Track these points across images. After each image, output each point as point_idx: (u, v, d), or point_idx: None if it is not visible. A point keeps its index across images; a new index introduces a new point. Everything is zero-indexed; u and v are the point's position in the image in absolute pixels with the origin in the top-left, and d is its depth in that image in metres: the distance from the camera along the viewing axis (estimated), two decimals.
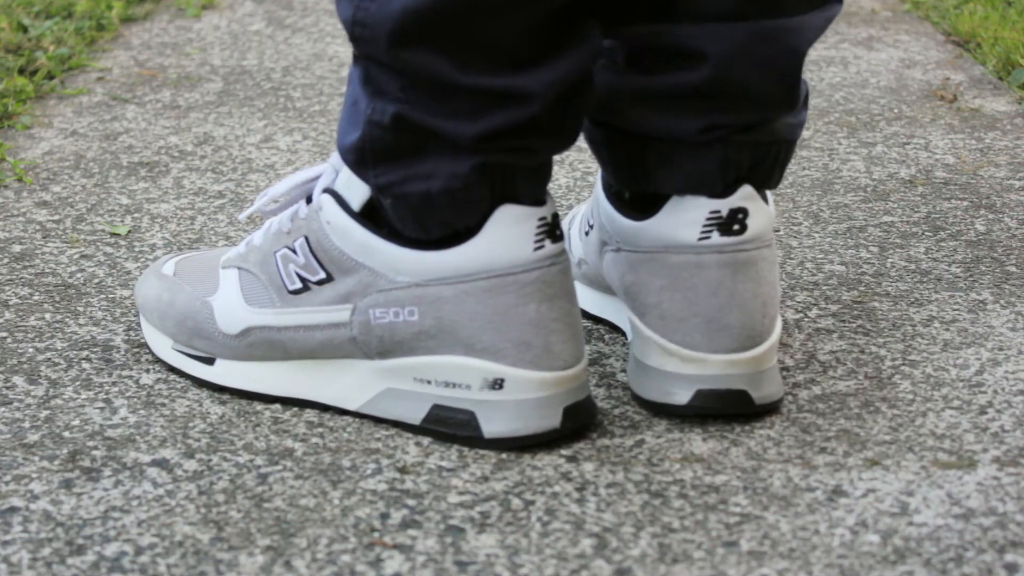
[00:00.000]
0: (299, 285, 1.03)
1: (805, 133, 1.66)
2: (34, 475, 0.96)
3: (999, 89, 1.82)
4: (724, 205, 1.01)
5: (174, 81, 1.86)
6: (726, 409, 1.02)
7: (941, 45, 2.04)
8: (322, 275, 1.02)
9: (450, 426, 0.99)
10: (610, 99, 1.02)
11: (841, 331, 1.17)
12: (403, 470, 0.97)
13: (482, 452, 0.99)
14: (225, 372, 1.07)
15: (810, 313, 1.20)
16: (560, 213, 1.40)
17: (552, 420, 0.99)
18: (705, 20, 0.98)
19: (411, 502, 0.93)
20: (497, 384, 0.98)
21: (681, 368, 1.02)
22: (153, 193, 1.46)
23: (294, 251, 1.03)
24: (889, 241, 1.34)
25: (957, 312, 1.20)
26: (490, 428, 0.99)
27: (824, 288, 1.24)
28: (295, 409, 1.05)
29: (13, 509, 0.92)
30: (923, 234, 1.36)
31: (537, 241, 0.97)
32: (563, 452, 0.99)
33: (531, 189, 0.98)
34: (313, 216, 1.02)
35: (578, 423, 1.00)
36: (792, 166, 1.55)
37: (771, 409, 1.03)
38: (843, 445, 1.00)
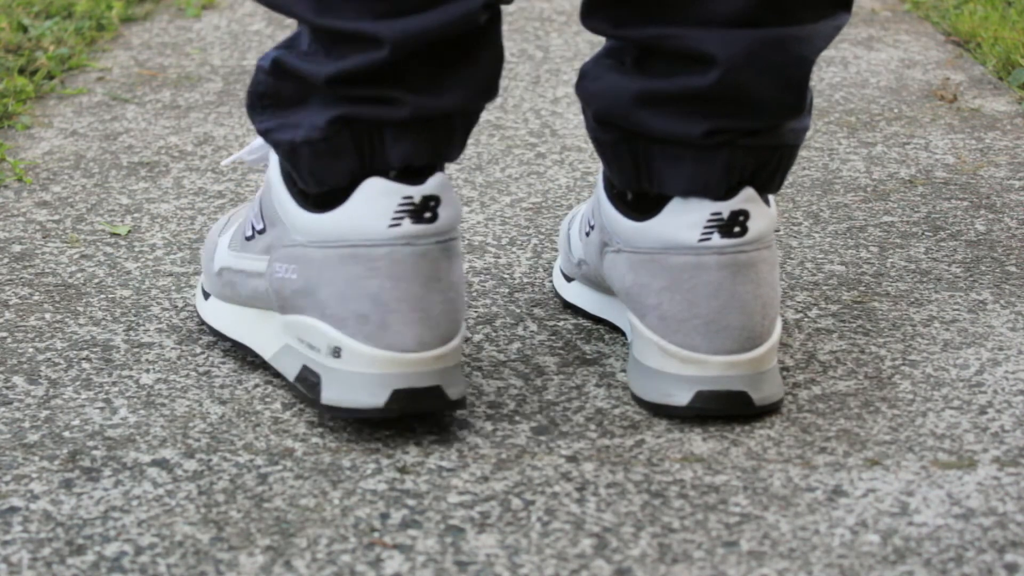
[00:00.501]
0: (250, 232, 1.07)
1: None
2: (34, 475, 0.96)
3: (999, 89, 1.82)
4: (725, 207, 1.01)
5: (174, 81, 1.86)
6: (726, 410, 1.02)
7: (941, 45, 2.04)
8: (261, 225, 1.06)
9: (306, 387, 1.02)
10: (616, 100, 1.03)
11: (841, 331, 1.17)
12: (403, 470, 0.97)
13: (482, 452, 0.99)
14: (210, 309, 1.13)
15: (810, 313, 1.20)
16: (559, 213, 1.40)
17: (377, 399, 0.98)
18: (715, 25, 0.98)
19: (411, 502, 0.93)
20: (336, 352, 0.99)
21: (681, 369, 1.02)
22: (153, 193, 1.46)
23: (256, 201, 1.08)
24: (889, 241, 1.34)
25: (957, 312, 1.20)
26: (327, 395, 1.00)
27: (824, 288, 1.24)
28: (295, 409, 1.05)
29: (13, 509, 0.92)
30: (923, 234, 1.36)
31: (395, 219, 0.97)
32: (563, 452, 0.99)
33: (404, 151, 0.98)
34: (269, 169, 1.05)
35: (408, 409, 0.99)
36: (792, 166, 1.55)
37: (771, 410, 1.03)
38: (843, 445, 1.00)
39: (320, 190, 1.00)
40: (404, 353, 0.98)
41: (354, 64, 0.96)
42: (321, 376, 1.00)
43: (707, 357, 1.02)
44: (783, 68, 1.00)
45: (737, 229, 1.01)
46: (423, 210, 0.97)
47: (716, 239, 1.01)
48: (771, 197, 1.05)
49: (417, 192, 0.97)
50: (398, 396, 0.98)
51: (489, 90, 1.01)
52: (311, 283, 1.00)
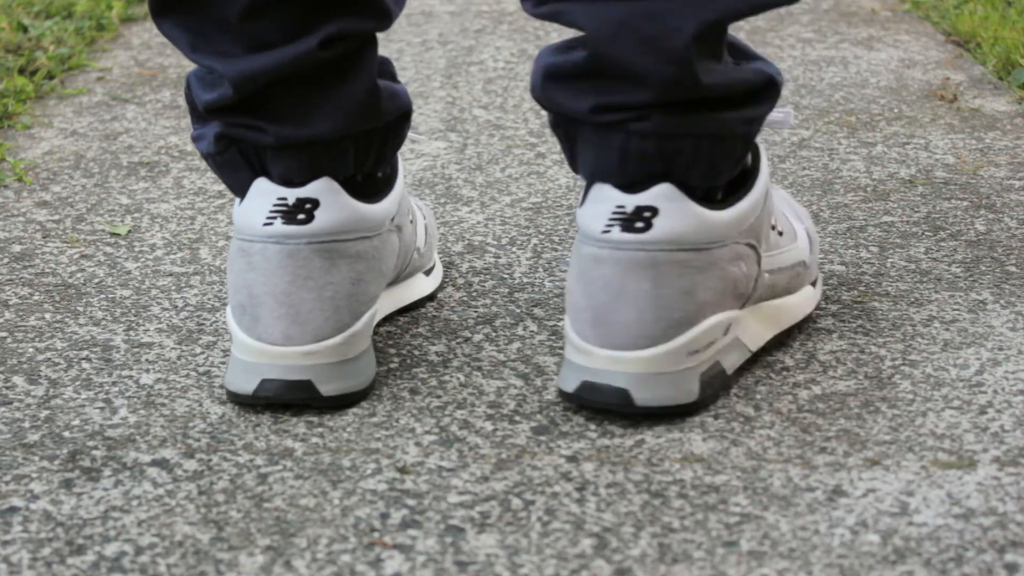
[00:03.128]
0: None
1: (805, 133, 1.66)
2: (34, 475, 0.96)
3: (999, 89, 1.82)
4: (631, 201, 1.01)
5: (174, 81, 1.86)
6: (603, 404, 1.02)
7: (941, 45, 2.04)
8: None
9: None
10: (537, 78, 1.05)
11: (841, 331, 1.17)
12: (403, 470, 0.97)
13: (482, 452, 0.99)
14: None
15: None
16: (559, 213, 1.40)
17: (248, 385, 1.04)
18: None
19: (411, 502, 0.93)
20: (231, 337, 1.08)
21: (574, 357, 1.03)
22: (153, 193, 1.46)
23: None
24: (889, 241, 1.34)
25: (957, 312, 1.20)
26: (225, 377, 1.07)
27: (824, 288, 1.24)
28: (295, 409, 1.05)
29: (13, 509, 0.92)
30: (923, 234, 1.36)
31: (268, 218, 1.03)
32: (563, 452, 0.99)
33: (283, 168, 1.04)
34: None
35: (275, 399, 1.04)
36: (792, 166, 1.55)
37: (660, 414, 1.02)
38: (843, 445, 1.00)
39: (235, 194, 1.08)
40: (272, 345, 1.03)
41: (218, 96, 1.04)
42: (229, 359, 1.07)
43: (594, 349, 1.02)
44: (656, 40, 0.98)
45: (639, 225, 1.00)
46: (297, 211, 1.03)
47: (615, 233, 1.01)
48: (744, 208, 1.04)
49: (292, 194, 1.03)
50: (265, 385, 1.03)
51: (367, 115, 1.06)
52: (228, 271, 1.07)
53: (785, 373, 1.10)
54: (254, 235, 1.03)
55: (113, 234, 1.36)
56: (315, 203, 1.03)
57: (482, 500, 0.94)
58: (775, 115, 1.10)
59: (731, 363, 1.07)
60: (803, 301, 1.16)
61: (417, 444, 1.00)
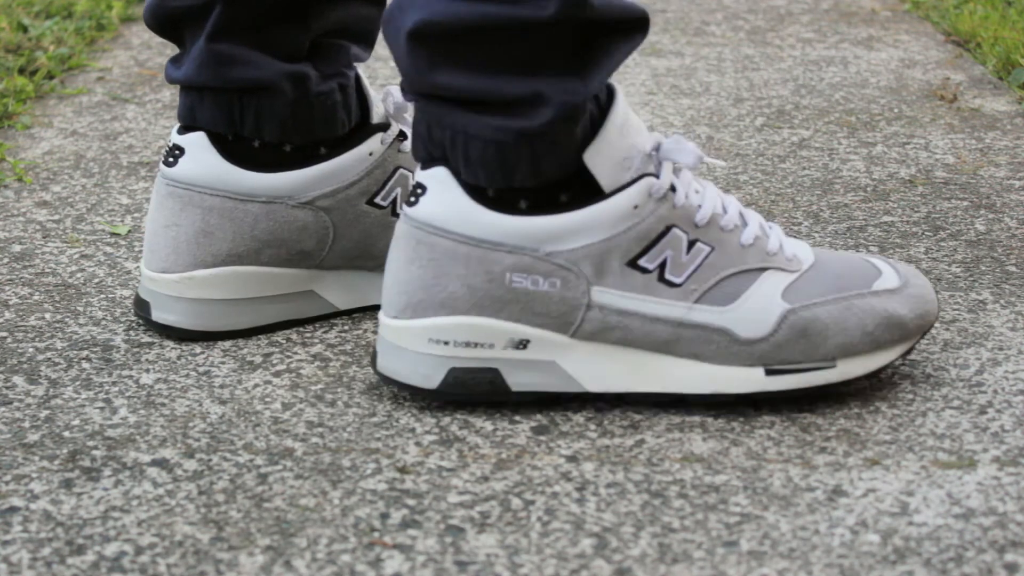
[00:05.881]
0: None
1: (805, 133, 1.66)
2: (34, 475, 0.96)
3: (999, 89, 1.82)
4: (416, 175, 1.04)
5: None
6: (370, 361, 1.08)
7: (941, 45, 2.04)
8: None
9: None
10: None
11: None
12: (403, 470, 0.97)
13: (482, 452, 0.99)
14: None
15: None
16: None
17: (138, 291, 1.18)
18: None
19: (411, 502, 0.93)
20: None
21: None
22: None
23: None
24: (889, 241, 1.34)
25: (957, 312, 1.20)
26: None
27: None
28: (295, 409, 1.05)
29: (13, 509, 0.92)
30: (923, 234, 1.36)
31: (164, 157, 1.15)
32: (563, 452, 0.99)
33: (179, 107, 1.15)
34: None
35: (133, 309, 1.20)
36: (792, 166, 1.55)
37: (390, 383, 1.05)
38: (843, 445, 1.00)
39: None
40: (140, 264, 1.19)
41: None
42: None
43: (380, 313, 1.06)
44: (396, 35, 1.01)
45: (412, 199, 1.03)
46: (169, 155, 1.14)
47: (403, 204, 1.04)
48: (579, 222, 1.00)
49: (171, 139, 1.14)
50: (136, 296, 1.18)
51: (219, 70, 1.12)
52: None
53: None
54: None
55: (113, 234, 1.36)
56: (182, 151, 1.13)
57: (482, 500, 0.94)
58: (670, 145, 1.02)
59: (525, 382, 1.03)
60: (705, 374, 1.03)
61: (417, 444, 1.00)
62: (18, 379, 1.09)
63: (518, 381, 1.03)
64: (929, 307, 1.07)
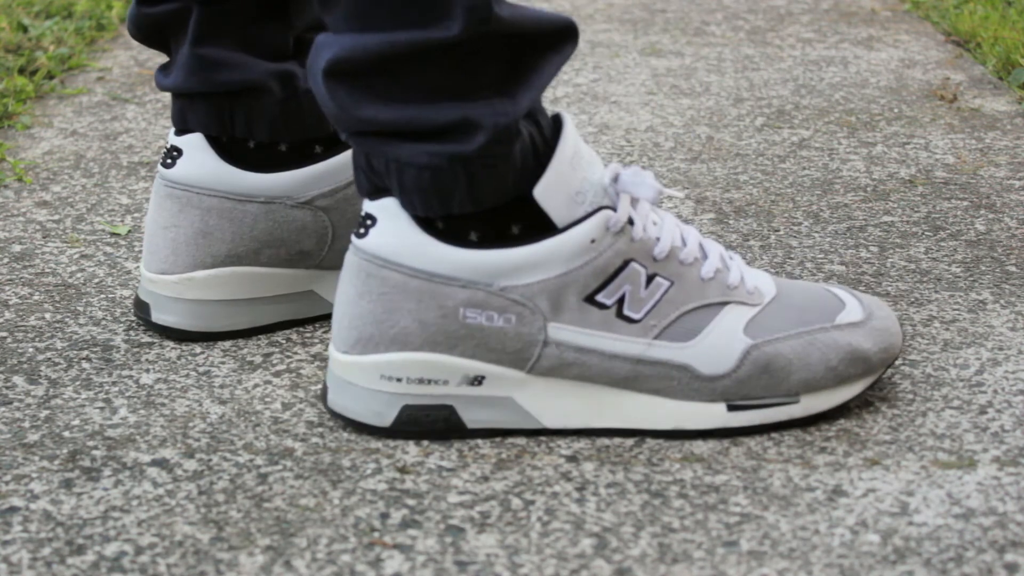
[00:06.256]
0: None
1: (805, 133, 1.66)
2: (34, 475, 0.96)
3: (999, 89, 1.82)
4: (365, 206, 1.00)
5: None
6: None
7: (941, 45, 2.04)
8: None
9: None
10: None
11: None
12: (403, 470, 0.97)
13: (482, 452, 0.99)
14: None
15: None
16: None
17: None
18: None
19: (411, 502, 0.93)
20: None
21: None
22: None
23: None
24: (889, 241, 1.34)
25: (957, 312, 1.20)
26: None
27: None
28: (295, 409, 1.05)
29: (13, 509, 0.92)
30: (923, 234, 1.36)
31: (162, 158, 1.15)
32: (563, 452, 0.99)
33: (173, 112, 1.16)
34: None
35: (133, 310, 1.20)
36: (792, 166, 1.55)
37: (341, 418, 1.01)
38: (843, 445, 1.00)
39: None
40: (139, 264, 1.19)
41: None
42: None
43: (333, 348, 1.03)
44: (311, 69, 0.99)
45: (361, 231, 0.99)
46: (167, 157, 1.14)
47: (354, 235, 1.01)
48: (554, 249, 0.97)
49: (169, 141, 1.15)
50: (136, 297, 1.18)
51: (208, 75, 1.13)
52: None
53: None
54: None
55: (113, 234, 1.36)
56: (180, 152, 1.13)
57: (482, 500, 0.94)
58: (628, 178, 0.99)
59: (481, 418, 1.01)
60: (666, 410, 1.01)
61: (417, 444, 1.00)
62: (18, 379, 1.09)
63: (474, 418, 1.00)
64: (893, 340, 1.05)
